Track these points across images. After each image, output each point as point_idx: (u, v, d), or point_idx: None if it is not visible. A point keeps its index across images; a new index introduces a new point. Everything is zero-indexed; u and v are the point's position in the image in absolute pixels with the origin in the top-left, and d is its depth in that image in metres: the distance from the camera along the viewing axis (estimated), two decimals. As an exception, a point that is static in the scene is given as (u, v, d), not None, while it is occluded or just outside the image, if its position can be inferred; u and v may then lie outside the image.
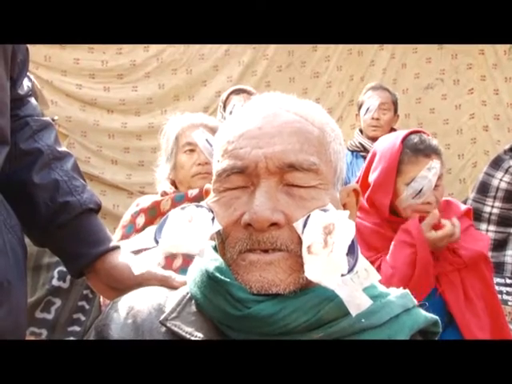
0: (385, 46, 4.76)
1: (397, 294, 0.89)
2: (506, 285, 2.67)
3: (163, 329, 0.87)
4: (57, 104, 4.39)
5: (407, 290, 0.91)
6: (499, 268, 2.64)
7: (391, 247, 1.86)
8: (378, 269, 1.79)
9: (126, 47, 4.50)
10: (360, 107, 3.45)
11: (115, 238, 1.81)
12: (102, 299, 1.99)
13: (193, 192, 2.09)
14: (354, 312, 0.79)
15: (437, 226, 1.86)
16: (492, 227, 2.70)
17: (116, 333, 0.88)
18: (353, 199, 0.93)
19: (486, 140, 4.85)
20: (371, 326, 0.84)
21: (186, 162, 2.14)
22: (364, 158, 3.16)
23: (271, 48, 4.68)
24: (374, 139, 3.03)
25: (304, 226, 0.81)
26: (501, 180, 2.68)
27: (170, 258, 1.90)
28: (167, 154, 2.18)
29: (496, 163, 2.74)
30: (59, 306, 1.95)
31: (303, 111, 0.88)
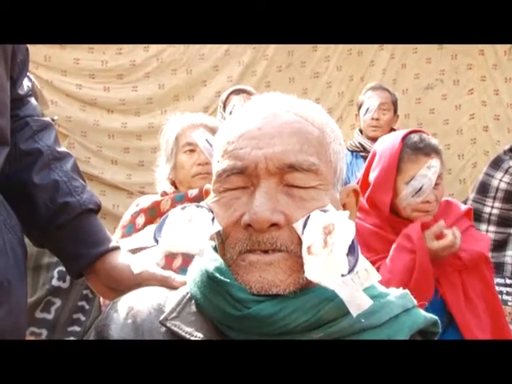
0: (385, 46, 4.76)
1: (396, 294, 0.90)
2: (506, 285, 2.67)
3: (163, 329, 0.87)
4: (57, 104, 4.39)
5: (407, 291, 0.92)
6: (499, 268, 2.64)
7: (391, 251, 1.85)
8: (378, 270, 1.79)
9: (125, 47, 4.50)
10: (360, 107, 3.44)
11: (115, 238, 1.80)
12: (101, 299, 1.99)
13: (193, 192, 2.09)
14: (354, 312, 0.79)
15: (438, 236, 1.86)
16: (492, 228, 2.70)
17: (116, 333, 0.88)
18: (352, 199, 0.93)
19: (485, 140, 4.85)
20: (371, 326, 0.84)
21: (186, 162, 2.14)
22: (364, 158, 3.16)
23: (271, 48, 4.68)
24: (373, 139, 3.03)
25: (304, 226, 0.81)
26: (501, 180, 2.68)
27: (169, 258, 1.90)
28: (167, 154, 2.18)
29: (496, 164, 2.74)
30: (59, 306, 1.95)
31: (303, 111, 0.88)
